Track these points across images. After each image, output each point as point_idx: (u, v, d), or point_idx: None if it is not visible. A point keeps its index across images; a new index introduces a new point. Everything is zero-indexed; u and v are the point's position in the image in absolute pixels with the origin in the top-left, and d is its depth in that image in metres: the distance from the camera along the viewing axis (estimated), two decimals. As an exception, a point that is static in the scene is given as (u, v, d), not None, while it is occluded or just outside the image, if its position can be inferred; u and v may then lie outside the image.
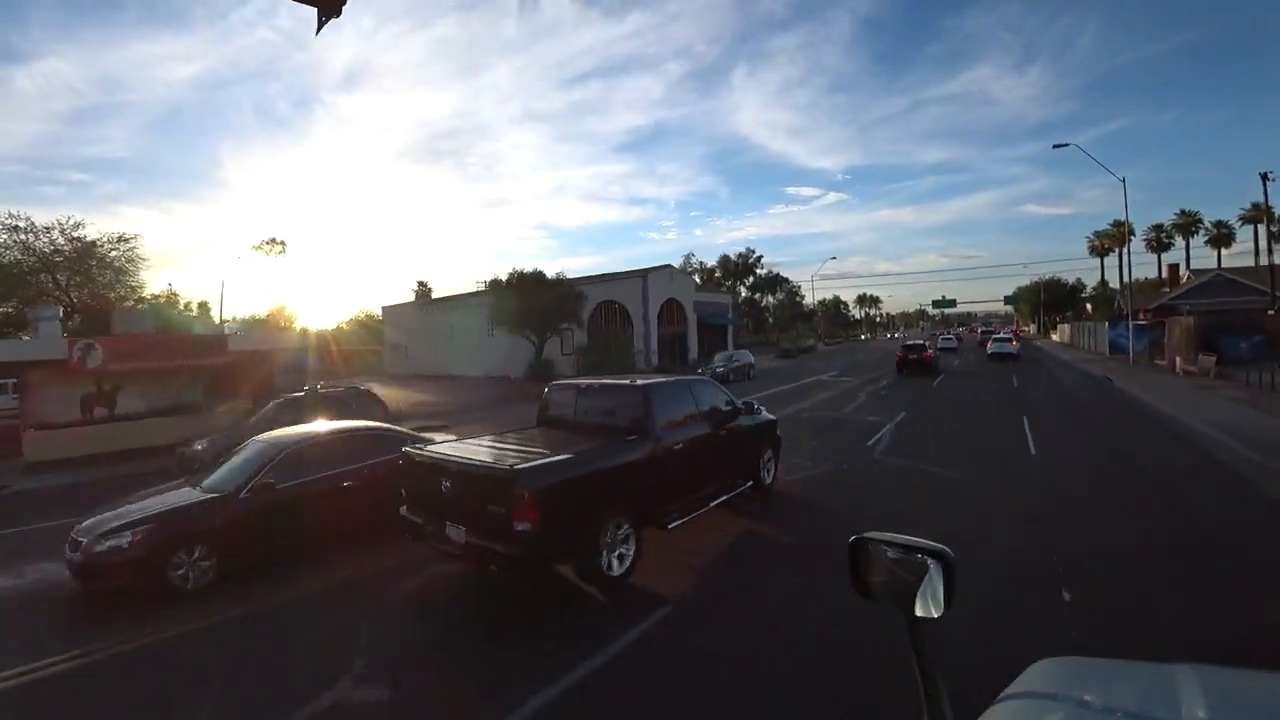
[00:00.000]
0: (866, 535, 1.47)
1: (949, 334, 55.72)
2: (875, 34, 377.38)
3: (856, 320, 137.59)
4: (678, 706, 3.74)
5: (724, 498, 6.87)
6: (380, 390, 16.34)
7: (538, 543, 4.69)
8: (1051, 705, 1.41)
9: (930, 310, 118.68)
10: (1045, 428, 12.72)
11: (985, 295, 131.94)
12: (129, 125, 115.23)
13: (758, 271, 66.02)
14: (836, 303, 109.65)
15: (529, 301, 27.08)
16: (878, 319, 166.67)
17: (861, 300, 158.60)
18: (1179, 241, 65.62)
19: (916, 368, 25.98)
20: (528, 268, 29.14)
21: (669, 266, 37.13)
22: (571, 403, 6.90)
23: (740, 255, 65.93)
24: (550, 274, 29.13)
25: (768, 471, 8.02)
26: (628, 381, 6.63)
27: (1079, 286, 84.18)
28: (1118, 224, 68.32)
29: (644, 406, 6.12)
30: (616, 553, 5.34)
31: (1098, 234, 73.39)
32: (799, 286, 71.17)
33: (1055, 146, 26.08)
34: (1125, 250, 59.49)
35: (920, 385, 22.11)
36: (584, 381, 7.24)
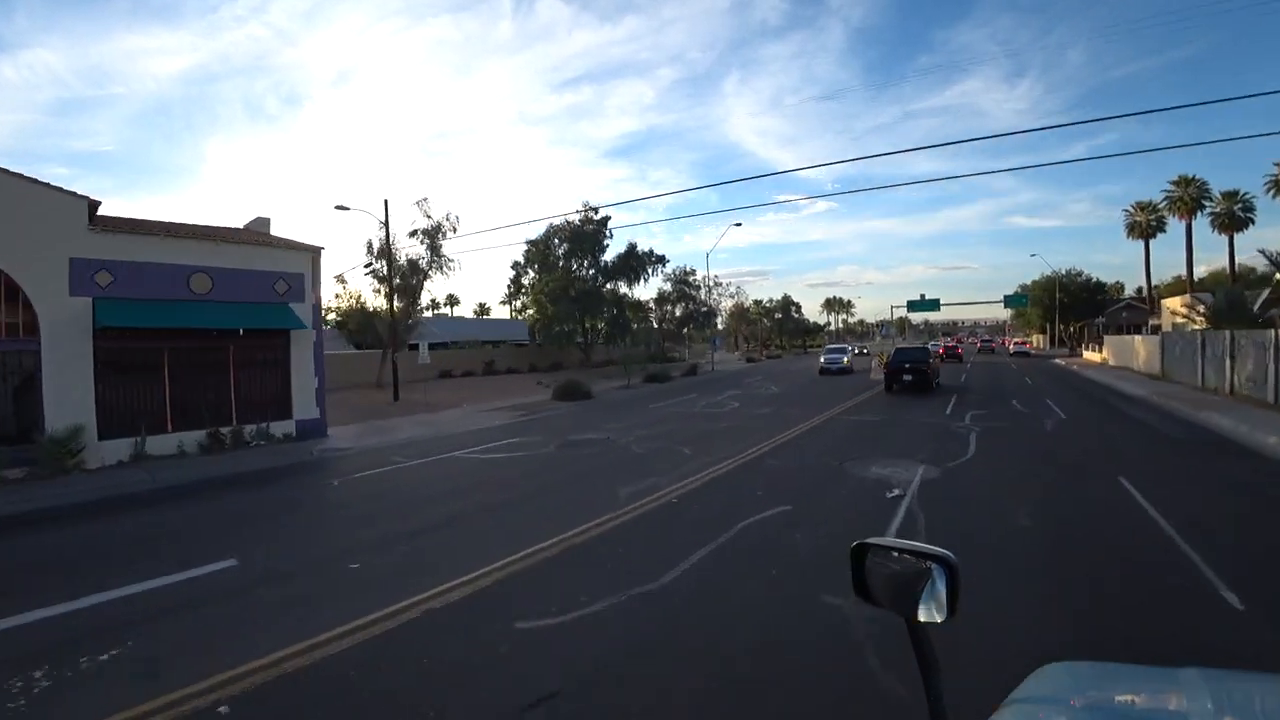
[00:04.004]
0: (869, 541, 1.41)
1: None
2: (868, 44, 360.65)
3: (819, 326, 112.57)
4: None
5: (937, 380, 22.48)
6: None
7: (929, 374, 21.46)
8: (1058, 709, 1.38)
9: (913, 318, 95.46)
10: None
11: (976, 297, 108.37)
12: (115, 118, 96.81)
13: (605, 243, 39.93)
14: (786, 304, 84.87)
15: None
16: (861, 326, 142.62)
17: (830, 304, 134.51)
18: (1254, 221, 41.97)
19: (952, 359, 39.97)
20: None
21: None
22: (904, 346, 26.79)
23: (583, 217, 40.02)
24: None
25: (939, 376, 23.47)
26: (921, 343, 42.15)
27: (1099, 285, 61.79)
28: (1183, 181, 44.12)
29: (928, 351, 24.64)
30: (936, 380, 22.42)
31: (1140, 205, 49.15)
32: (693, 273, 46.45)
33: None
34: None
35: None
36: (904, 345, 33.20)
